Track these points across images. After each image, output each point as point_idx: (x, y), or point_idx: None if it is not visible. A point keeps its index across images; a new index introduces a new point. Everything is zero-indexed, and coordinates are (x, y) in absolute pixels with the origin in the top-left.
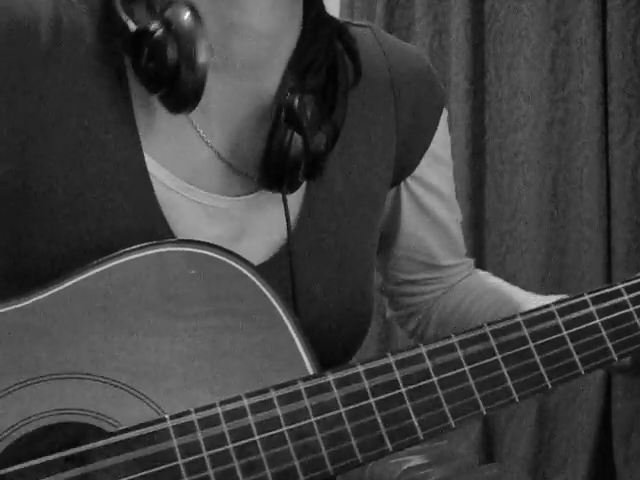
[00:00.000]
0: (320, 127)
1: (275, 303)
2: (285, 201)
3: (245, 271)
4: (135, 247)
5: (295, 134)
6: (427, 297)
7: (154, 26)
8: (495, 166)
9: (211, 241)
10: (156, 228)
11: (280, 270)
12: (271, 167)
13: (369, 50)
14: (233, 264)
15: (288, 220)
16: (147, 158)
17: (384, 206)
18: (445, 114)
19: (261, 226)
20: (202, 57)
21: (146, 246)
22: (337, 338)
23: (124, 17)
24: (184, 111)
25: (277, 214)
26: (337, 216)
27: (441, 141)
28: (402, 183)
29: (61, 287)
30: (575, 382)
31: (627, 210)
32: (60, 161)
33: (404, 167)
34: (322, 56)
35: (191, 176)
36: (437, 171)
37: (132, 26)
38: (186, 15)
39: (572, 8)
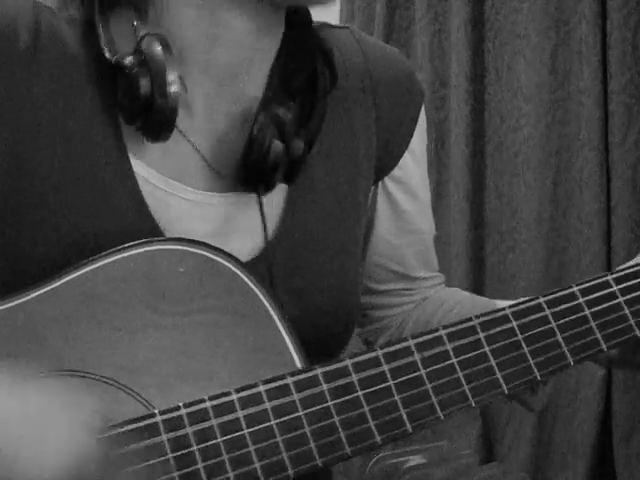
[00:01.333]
0: (298, 132)
1: (263, 299)
2: (261, 203)
3: (233, 268)
4: (124, 246)
5: (274, 139)
6: (397, 310)
7: (128, 60)
8: (495, 166)
9: (199, 238)
10: (143, 226)
11: (265, 268)
12: (249, 169)
13: (348, 51)
14: (221, 261)
15: (264, 221)
16: (132, 158)
17: (367, 204)
18: (424, 116)
19: (246, 224)
20: (173, 89)
21: (135, 245)
22: (323, 335)
23: (102, 42)
24: (160, 141)
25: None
26: (320, 216)
27: (419, 143)
28: (380, 183)
29: (49, 286)
30: (575, 382)
31: (627, 210)
32: (47, 163)
33: (383, 166)
34: (303, 62)
35: (177, 175)
36: (414, 172)
37: (109, 56)
38: (157, 49)
39: (572, 8)
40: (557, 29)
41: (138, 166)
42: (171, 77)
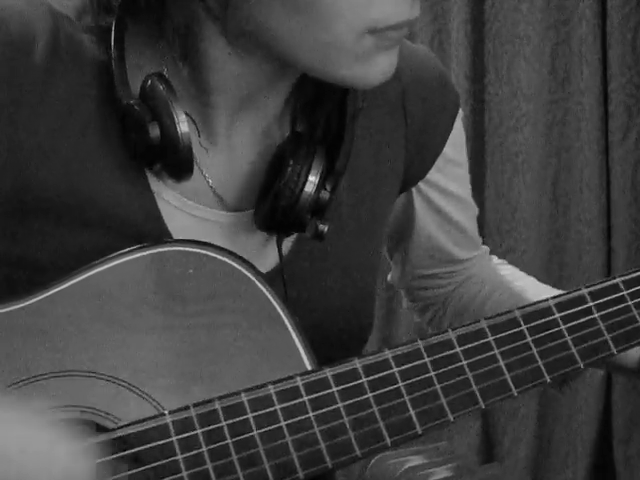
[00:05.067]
0: (325, 184)
1: (273, 300)
2: (280, 247)
3: (243, 269)
4: (134, 247)
5: (303, 191)
6: (443, 290)
7: (135, 110)
8: (495, 166)
9: None
10: (159, 238)
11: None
12: (272, 220)
13: None
14: (231, 262)
15: (282, 262)
16: (148, 173)
17: (389, 218)
18: (460, 115)
19: (256, 244)
20: (184, 130)
21: (145, 246)
22: (337, 347)
23: (115, 81)
24: (183, 181)
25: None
26: (338, 238)
27: (454, 144)
28: (414, 188)
29: (61, 287)
30: (575, 382)
31: (627, 210)
32: (62, 174)
33: (415, 174)
34: (329, 87)
35: (192, 196)
36: (451, 174)
37: (120, 97)
38: (161, 92)
39: (572, 8)
40: (557, 29)
41: (154, 183)
42: (180, 118)
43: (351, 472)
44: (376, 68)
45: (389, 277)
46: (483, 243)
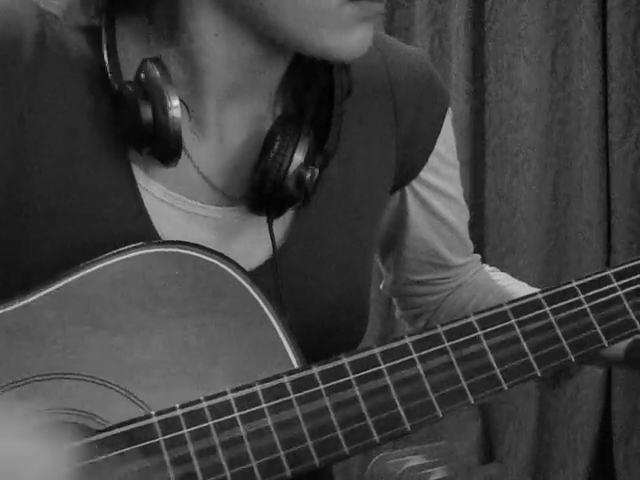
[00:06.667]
0: (314, 161)
1: (259, 300)
2: (271, 228)
3: (229, 269)
4: (121, 249)
5: (289, 169)
6: (436, 298)
7: (129, 90)
8: (495, 166)
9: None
10: (144, 236)
11: (268, 279)
12: (261, 197)
13: (368, 55)
14: (217, 263)
15: (274, 243)
16: (135, 169)
17: (383, 213)
18: (450, 115)
19: (249, 235)
20: (175, 114)
21: (131, 248)
22: (332, 343)
23: (107, 68)
24: (170, 166)
25: (265, 226)
26: (331, 229)
27: (445, 143)
28: (407, 187)
29: (48, 289)
30: (575, 382)
31: (627, 210)
32: (49, 171)
33: (407, 172)
34: (317, 70)
35: (179, 188)
36: (443, 174)
37: (112, 81)
38: (156, 76)
39: (572, 8)
40: (557, 29)
41: (139, 176)
42: (172, 102)
43: (350, 472)
44: (355, 39)
45: (381, 286)
46: (483, 242)
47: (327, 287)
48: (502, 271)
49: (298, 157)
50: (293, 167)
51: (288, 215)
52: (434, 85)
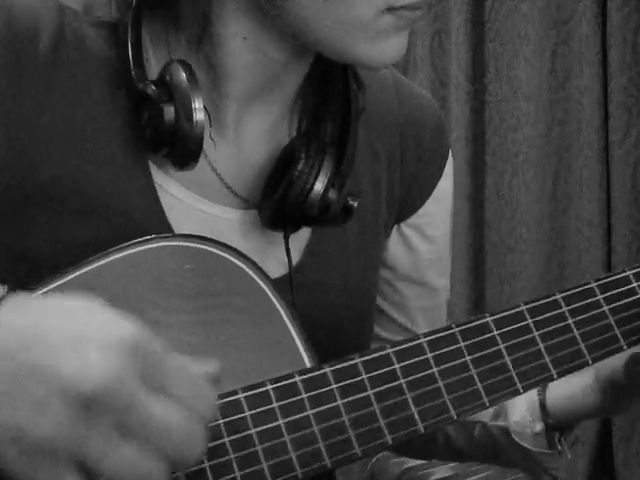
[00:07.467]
0: (334, 183)
1: (271, 296)
2: (287, 242)
3: (242, 265)
4: (132, 242)
5: (313, 188)
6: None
7: (153, 90)
8: (495, 166)
9: None
10: (159, 232)
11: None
12: (280, 213)
13: (383, 88)
14: (230, 258)
15: (290, 260)
16: (151, 166)
17: (389, 237)
18: (451, 162)
19: (263, 245)
20: (199, 117)
21: (143, 241)
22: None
23: (131, 65)
24: (186, 170)
25: (278, 237)
26: (345, 249)
27: (444, 189)
28: (395, 226)
29: (57, 282)
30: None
31: (627, 210)
32: (65, 165)
33: (403, 210)
34: (336, 80)
35: (195, 188)
36: (436, 222)
37: (136, 80)
38: (182, 78)
39: (572, 8)
40: (557, 29)
41: (157, 174)
42: (197, 105)
43: (351, 472)
44: (390, 47)
45: None
46: (483, 242)
47: (335, 309)
48: (502, 271)
49: (323, 178)
50: (318, 188)
51: (303, 233)
52: (440, 131)
